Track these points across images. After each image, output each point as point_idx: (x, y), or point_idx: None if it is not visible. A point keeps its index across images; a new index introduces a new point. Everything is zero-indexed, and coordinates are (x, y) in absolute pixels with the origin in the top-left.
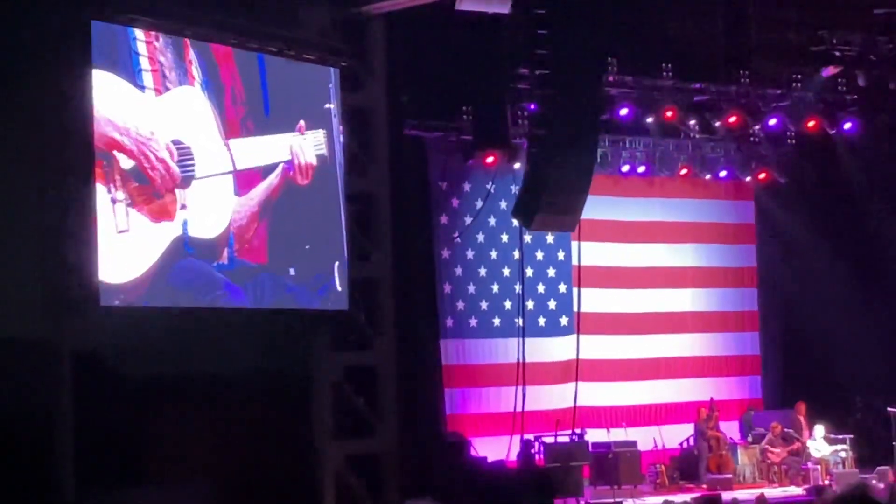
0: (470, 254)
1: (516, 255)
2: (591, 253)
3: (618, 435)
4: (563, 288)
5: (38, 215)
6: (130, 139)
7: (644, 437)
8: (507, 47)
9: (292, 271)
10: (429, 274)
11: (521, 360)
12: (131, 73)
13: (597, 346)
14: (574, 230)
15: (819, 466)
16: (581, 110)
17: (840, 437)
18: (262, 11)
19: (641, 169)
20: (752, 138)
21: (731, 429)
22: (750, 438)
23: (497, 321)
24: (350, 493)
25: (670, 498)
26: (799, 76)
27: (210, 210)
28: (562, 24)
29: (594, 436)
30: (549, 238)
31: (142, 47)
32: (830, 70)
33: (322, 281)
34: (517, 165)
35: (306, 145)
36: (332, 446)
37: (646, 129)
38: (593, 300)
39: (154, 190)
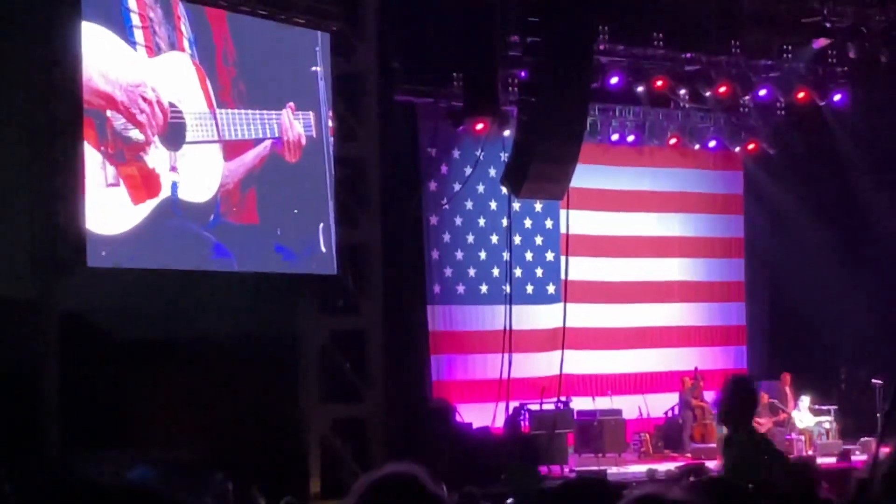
0: (458, 220)
1: (504, 222)
2: (579, 221)
3: (603, 403)
4: (550, 256)
5: (26, 176)
6: (122, 91)
7: (629, 406)
8: (498, 14)
9: (279, 232)
10: (417, 240)
11: (507, 328)
12: (123, 29)
13: (583, 315)
14: (563, 198)
15: (803, 437)
16: (571, 78)
17: (824, 408)
18: None
19: (631, 138)
20: (741, 109)
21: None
22: None
23: (484, 288)
24: (336, 458)
25: (654, 466)
26: (790, 47)
27: (201, 174)
28: None
29: (579, 404)
30: (538, 206)
31: (132, 3)
32: (821, 42)
33: (307, 243)
34: (507, 132)
35: (296, 124)
36: (319, 410)
37: (636, 98)
38: (581, 268)
39: (145, 146)
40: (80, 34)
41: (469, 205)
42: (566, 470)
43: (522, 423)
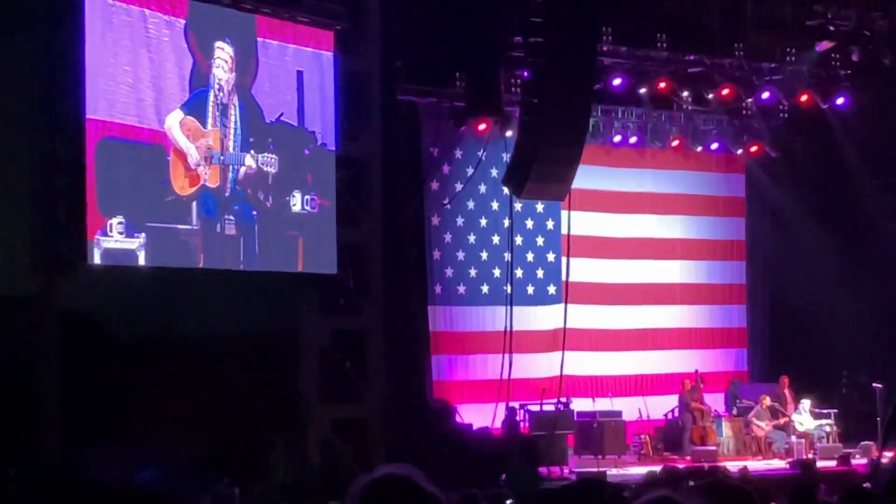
0: (460, 220)
1: (506, 222)
2: (580, 222)
3: (603, 405)
4: (551, 257)
5: (28, 174)
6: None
7: (629, 408)
8: (501, 14)
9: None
10: (418, 240)
11: (508, 328)
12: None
13: (584, 316)
14: (564, 199)
15: (803, 440)
16: (574, 79)
17: (825, 411)
18: None
19: (633, 139)
20: (744, 111)
21: (716, 401)
22: (735, 411)
23: (485, 288)
24: (335, 457)
25: (654, 468)
26: (793, 50)
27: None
28: None
29: (580, 405)
30: (539, 207)
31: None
32: (825, 45)
33: None
34: (509, 133)
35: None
36: (319, 410)
37: (639, 100)
38: (582, 270)
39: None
40: (83, 34)
41: (471, 205)
42: (566, 471)
43: (521, 423)
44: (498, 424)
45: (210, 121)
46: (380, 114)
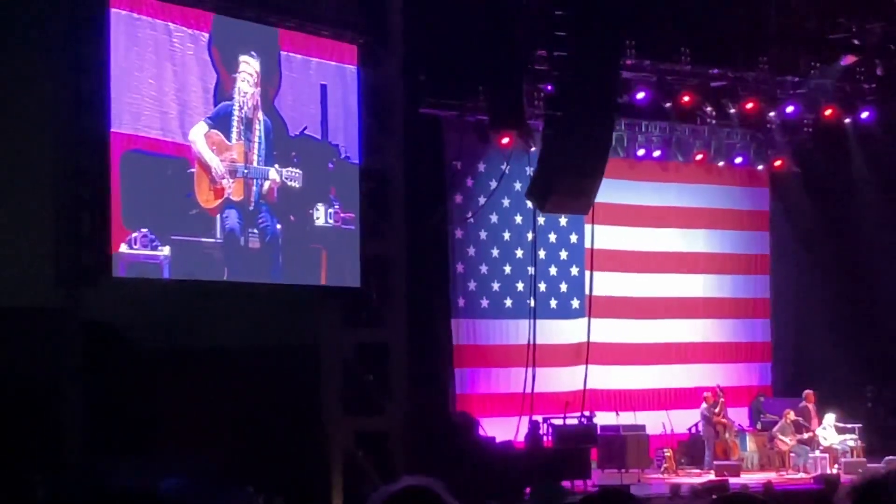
0: (483, 234)
1: (529, 236)
2: (604, 236)
3: (627, 418)
4: (574, 270)
5: (53, 187)
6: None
7: (653, 422)
8: (525, 28)
9: None
10: (441, 253)
11: (531, 342)
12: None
13: (607, 330)
14: (588, 213)
15: (827, 455)
16: (598, 93)
17: (849, 425)
18: None
19: (657, 153)
20: (768, 125)
21: (740, 415)
22: (759, 425)
23: (508, 302)
24: (358, 470)
25: (677, 482)
26: (817, 64)
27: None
28: (580, 6)
29: (603, 419)
30: (563, 220)
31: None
32: (849, 59)
33: None
34: (532, 147)
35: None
36: (341, 422)
37: (662, 114)
38: (605, 283)
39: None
40: (108, 48)
41: (494, 218)
42: (589, 485)
43: (544, 437)
44: (521, 438)
45: (234, 134)
46: (403, 127)
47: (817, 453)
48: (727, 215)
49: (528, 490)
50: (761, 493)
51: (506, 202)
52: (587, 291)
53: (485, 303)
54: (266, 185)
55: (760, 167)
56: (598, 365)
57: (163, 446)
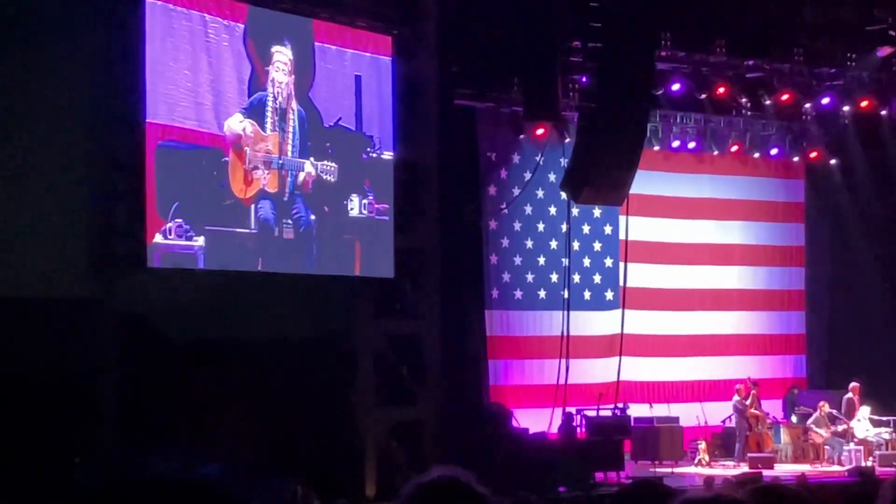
0: (517, 225)
1: (563, 227)
2: (638, 227)
3: (660, 410)
4: (608, 262)
5: (88, 177)
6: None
7: (687, 414)
8: (559, 19)
9: None
10: (475, 244)
11: (565, 333)
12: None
13: (641, 321)
14: (622, 204)
15: (862, 448)
16: (632, 84)
17: (885, 418)
18: None
19: (692, 145)
20: (803, 117)
21: (774, 407)
22: (793, 417)
23: (542, 293)
24: (391, 460)
25: (711, 474)
26: (853, 55)
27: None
28: None
29: (636, 410)
30: (597, 212)
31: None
32: (885, 50)
33: None
34: (567, 138)
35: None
36: (375, 413)
37: (698, 105)
38: (639, 275)
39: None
40: (144, 39)
41: (528, 210)
42: (622, 477)
43: (577, 428)
44: (554, 429)
45: (269, 125)
46: (437, 118)
47: (852, 446)
48: (762, 207)
49: (562, 489)
50: (795, 486)
51: (540, 193)
52: (621, 283)
53: (518, 294)
54: (301, 176)
55: (796, 158)
56: (632, 357)
57: (196, 436)
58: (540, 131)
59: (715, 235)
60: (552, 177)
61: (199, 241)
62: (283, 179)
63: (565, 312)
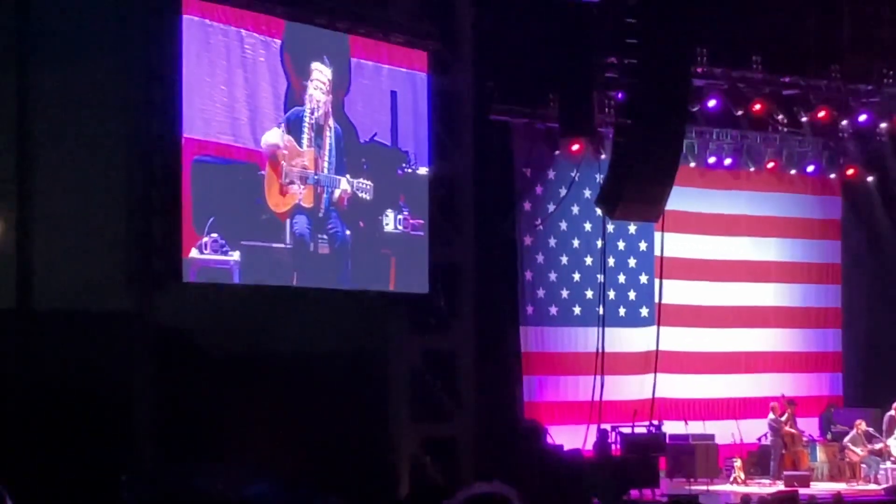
0: (552, 241)
1: (599, 244)
2: (674, 244)
3: (696, 428)
4: (644, 278)
5: (125, 192)
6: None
7: (722, 431)
8: (595, 35)
9: None
10: (510, 260)
11: (600, 350)
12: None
13: (677, 338)
14: (657, 220)
15: None
16: (668, 101)
17: None
18: None
19: (728, 161)
20: (840, 134)
21: (810, 425)
22: (829, 436)
23: (577, 310)
24: (425, 476)
25: (746, 492)
26: (890, 72)
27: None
28: (652, 14)
29: (672, 427)
30: (632, 228)
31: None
32: None
33: None
34: (602, 154)
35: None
36: (409, 429)
37: (734, 122)
38: (675, 292)
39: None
40: (181, 54)
41: (563, 226)
42: (657, 494)
43: (612, 445)
44: (589, 446)
45: (305, 141)
46: (472, 134)
47: (889, 464)
48: (799, 224)
49: (595, 501)
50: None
51: (575, 209)
52: (656, 299)
53: (553, 310)
54: (336, 192)
55: (832, 175)
56: (667, 373)
57: (231, 452)
58: (575, 147)
59: (751, 252)
60: (587, 193)
61: (235, 255)
62: (319, 195)
63: (600, 329)
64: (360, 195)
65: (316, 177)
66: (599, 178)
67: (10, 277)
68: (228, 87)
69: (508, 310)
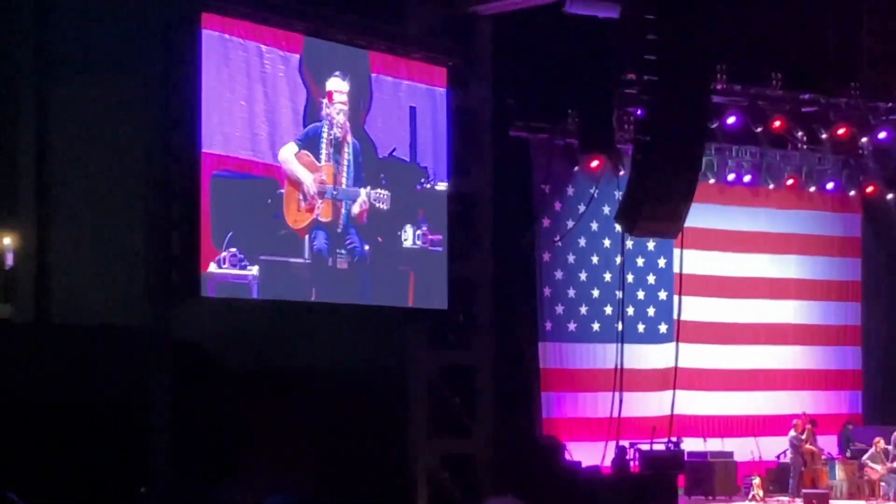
0: (571, 258)
1: (618, 260)
2: (693, 261)
3: (714, 445)
4: (663, 295)
5: (144, 206)
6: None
7: (741, 448)
8: (614, 52)
9: None
10: (529, 276)
11: (618, 366)
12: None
13: (696, 355)
14: (676, 237)
15: None
16: (688, 117)
17: None
18: (371, 8)
19: (747, 178)
20: (860, 151)
21: (829, 443)
22: (848, 453)
23: (596, 326)
24: (443, 492)
25: None
26: None
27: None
28: (671, 30)
29: (690, 445)
30: (651, 244)
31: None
32: None
33: None
34: (622, 171)
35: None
36: (427, 444)
37: (753, 138)
38: (694, 308)
39: None
40: (200, 69)
41: (582, 242)
42: None
43: (630, 462)
44: (607, 463)
45: (324, 156)
46: (491, 150)
47: None
48: (818, 241)
49: None
50: None
51: (594, 226)
52: (675, 316)
53: (572, 326)
54: (355, 207)
55: (852, 193)
56: (686, 390)
57: (249, 466)
58: (594, 163)
59: (770, 269)
60: (606, 209)
61: (253, 270)
62: (338, 210)
63: (619, 345)
64: (377, 205)
65: (334, 191)
66: (618, 194)
67: (30, 291)
68: (248, 102)
69: (527, 326)
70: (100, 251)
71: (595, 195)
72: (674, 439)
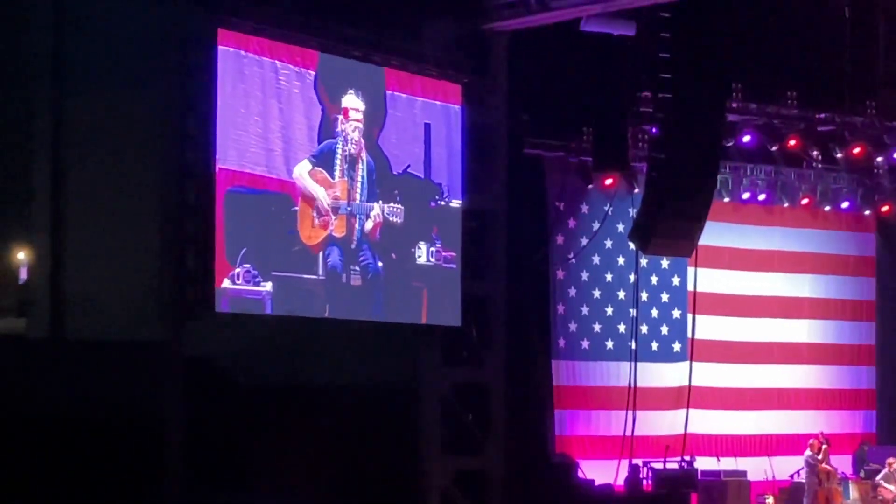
0: (585, 275)
1: (631, 278)
2: (707, 279)
3: (728, 464)
4: (676, 313)
5: (159, 222)
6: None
7: (755, 467)
8: (629, 70)
9: None
10: (542, 293)
11: (632, 384)
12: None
13: (710, 374)
14: (691, 255)
15: None
16: (702, 136)
17: None
18: (387, 25)
19: (762, 196)
20: (875, 170)
21: (843, 463)
22: (862, 473)
23: (610, 344)
24: None
25: None
26: None
27: None
28: (686, 49)
29: (704, 463)
30: (664, 263)
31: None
32: None
33: None
34: (636, 189)
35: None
36: (440, 461)
37: (768, 157)
38: (708, 327)
39: None
40: (215, 85)
41: (596, 260)
42: None
43: (643, 480)
44: (620, 481)
45: (338, 172)
46: (506, 167)
47: None
48: (833, 260)
49: None
50: None
51: (608, 243)
52: (689, 334)
53: (585, 344)
54: (369, 224)
55: (867, 212)
56: (700, 409)
57: (262, 482)
58: (609, 181)
59: (785, 288)
60: (620, 227)
61: (267, 286)
62: (352, 226)
63: (632, 363)
64: (391, 219)
65: (348, 207)
66: (633, 212)
67: (44, 306)
68: (263, 118)
69: (540, 343)
70: (114, 266)
71: (609, 213)
72: (687, 458)
